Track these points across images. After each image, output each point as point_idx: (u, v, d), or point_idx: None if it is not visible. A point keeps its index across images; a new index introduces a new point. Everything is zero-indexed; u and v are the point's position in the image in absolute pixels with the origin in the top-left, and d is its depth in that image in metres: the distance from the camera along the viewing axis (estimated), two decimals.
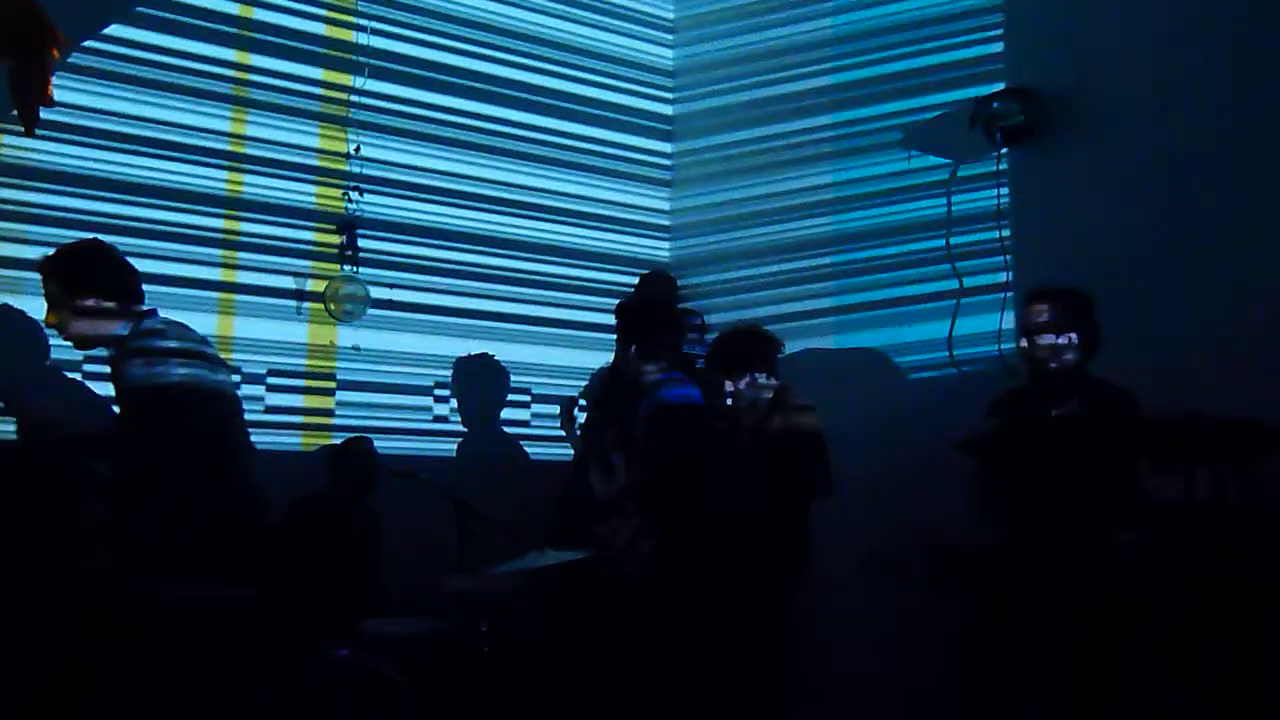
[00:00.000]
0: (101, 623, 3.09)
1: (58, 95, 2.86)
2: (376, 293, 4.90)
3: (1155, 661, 3.19)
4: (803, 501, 4.09)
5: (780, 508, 4.02)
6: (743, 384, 4.15)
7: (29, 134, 2.99)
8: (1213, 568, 3.14)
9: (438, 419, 5.05)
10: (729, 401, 4.19)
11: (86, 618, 3.12)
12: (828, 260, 5.29)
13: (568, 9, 5.67)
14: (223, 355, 3.75)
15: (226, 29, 4.70)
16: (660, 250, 5.86)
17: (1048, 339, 3.73)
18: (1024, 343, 3.80)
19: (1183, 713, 3.11)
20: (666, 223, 5.92)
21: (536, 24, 5.56)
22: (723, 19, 5.93)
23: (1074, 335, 3.73)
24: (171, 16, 4.58)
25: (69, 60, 4.25)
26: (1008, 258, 4.70)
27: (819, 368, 5.07)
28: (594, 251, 5.61)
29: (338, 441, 4.62)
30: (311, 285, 4.80)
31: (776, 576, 4.01)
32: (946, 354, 4.80)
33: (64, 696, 3.09)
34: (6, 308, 4.14)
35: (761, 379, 4.17)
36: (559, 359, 5.36)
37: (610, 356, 4.74)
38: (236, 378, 4.40)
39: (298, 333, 4.77)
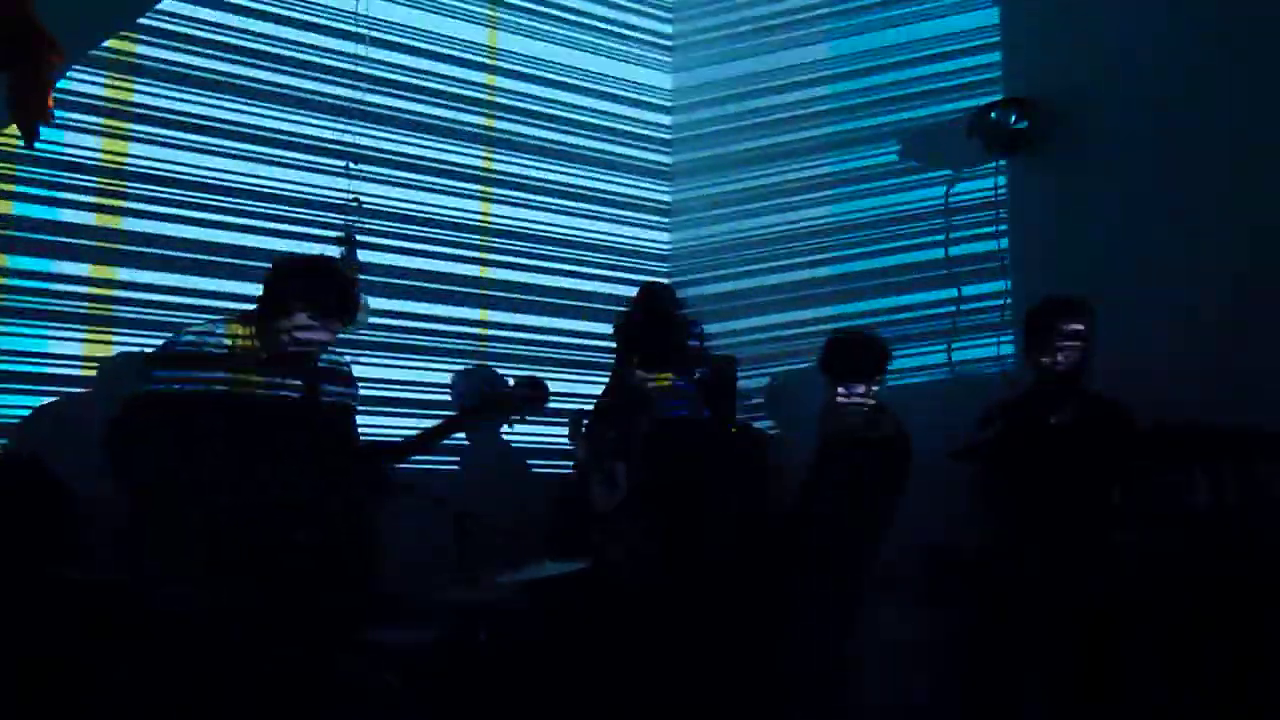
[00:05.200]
0: (100, 627, 3.10)
1: None
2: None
3: (1155, 663, 3.18)
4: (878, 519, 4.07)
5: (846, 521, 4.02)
6: (853, 392, 4.13)
7: (29, 146, 3.00)
8: (1213, 569, 3.13)
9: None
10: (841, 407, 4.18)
11: (85, 622, 3.12)
12: (825, 273, 5.31)
13: None
14: None
15: None
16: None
17: (1076, 352, 3.77)
18: (1049, 354, 3.81)
19: (1183, 713, 3.10)
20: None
21: None
22: None
23: (1090, 347, 3.80)
24: None
25: None
26: (1006, 267, 4.70)
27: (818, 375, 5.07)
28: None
29: None
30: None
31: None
32: (945, 362, 4.81)
33: (63, 699, 3.09)
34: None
35: (867, 389, 4.15)
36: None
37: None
38: None
39: None
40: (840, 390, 4.12)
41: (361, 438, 3.85)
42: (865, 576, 4.10)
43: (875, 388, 4.13)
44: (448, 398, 5.05)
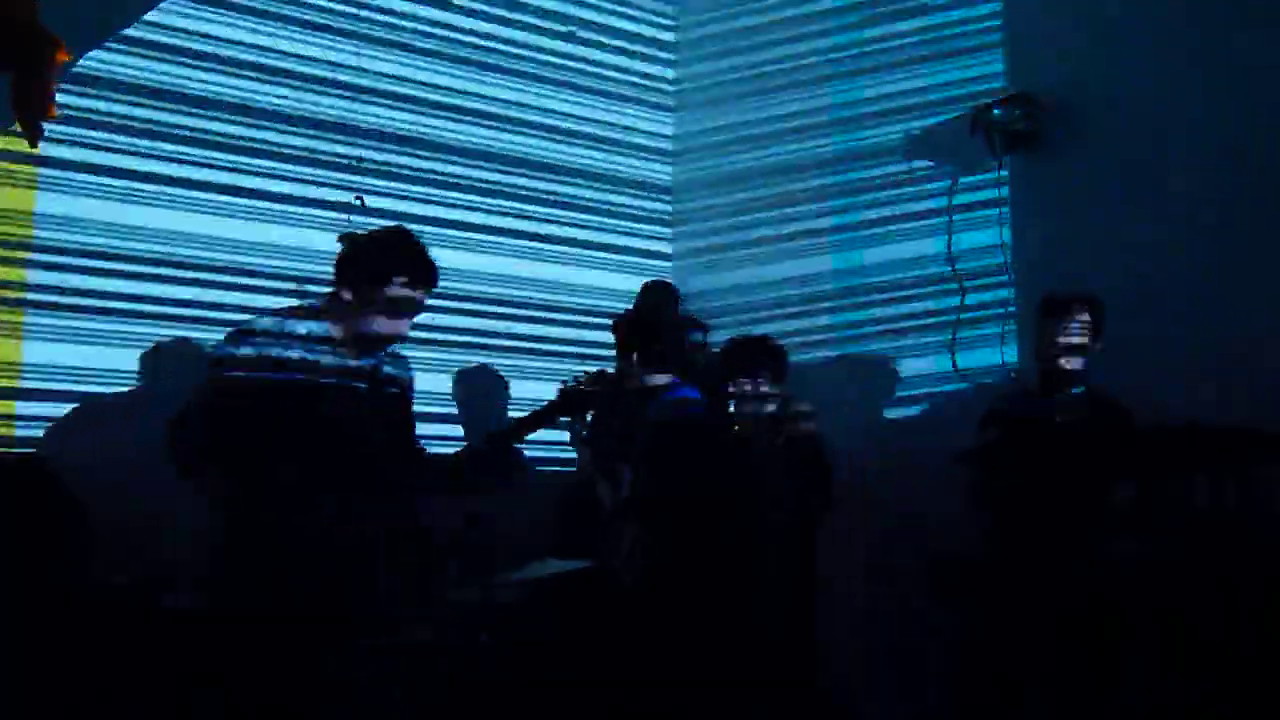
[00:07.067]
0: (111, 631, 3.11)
1: None
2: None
3: (1155, 670, 3.19)
4: (805, 517, 4.09)
5: (782, 521, 4.04)
6: (747, 392, 4.17)
7: (33, 146, 3.00)
8: (1213, 571, 3.14)
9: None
10: (733, 408, 4.21)
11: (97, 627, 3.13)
12: (828, 265, 5.31)
13: None
14: None
15: None
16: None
17: (1080, 348, 3.78)
18: (1053, 351, 3.82)
19: (1184, 715, 3.11)
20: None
21: None
22: None
23: (1096, 342, 3.80)
24: None
25: None
26: (1009, 265, 4.70)
27: (821, 375, 5.08)
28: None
29: None
30: None
31: (779, 589, 4.02)
32: (949, 362, 4.81)
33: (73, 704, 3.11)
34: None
35: (766, 388, 4.18)
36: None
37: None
38: None
39: None
40: (732, 390, 4.18)
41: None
42: (801, 576, 4.12)
43: (765, 386, 4.19)
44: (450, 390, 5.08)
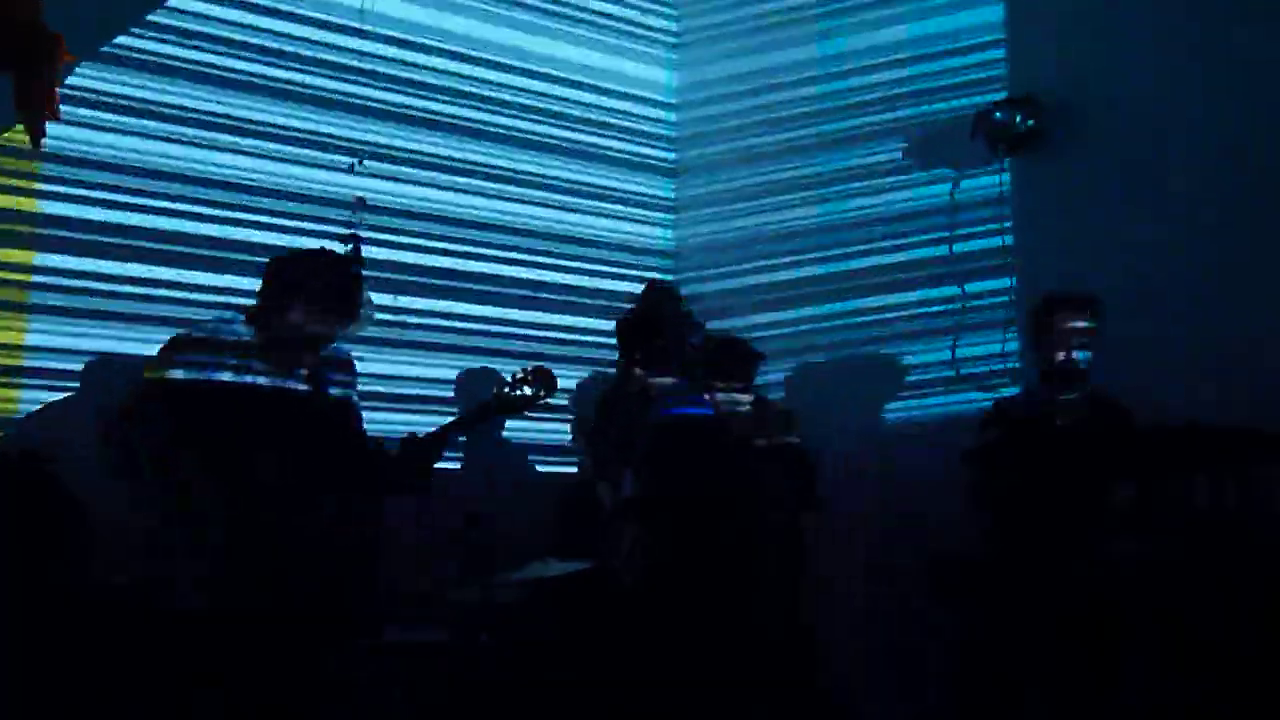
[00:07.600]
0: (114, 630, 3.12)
1: None
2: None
3: (1155, 670, 3.19)
4: (791, 515, 4.10)
5: (768, 520, 4.05)
6: (720, 394, 4.19)
7: (35, 146, 3.00)
8: (1213, 571, 3.14)
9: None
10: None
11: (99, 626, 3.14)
12: (827, 268, 5.30)
13: None
14: None
15: None
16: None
17: (1080, 348, 3.78)
18: (1052, 351, 3.82)
19: (1184, 716, 3.11)
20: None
21: None
22: None
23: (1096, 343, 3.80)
24: None
25: None
26: (1011, 267, 4.70)
27: (821, 377, 5.08)
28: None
29: None
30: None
31: (768, 589, 4.03)
32: (950, 363, 4.81)
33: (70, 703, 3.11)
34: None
35: (740, 389, 4.20)
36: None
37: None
38: None
39: None
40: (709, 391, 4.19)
41: (370, 435, 3.75)
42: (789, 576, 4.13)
43: (741, 387, 4.20)
44: (452, 394, 5.07)
